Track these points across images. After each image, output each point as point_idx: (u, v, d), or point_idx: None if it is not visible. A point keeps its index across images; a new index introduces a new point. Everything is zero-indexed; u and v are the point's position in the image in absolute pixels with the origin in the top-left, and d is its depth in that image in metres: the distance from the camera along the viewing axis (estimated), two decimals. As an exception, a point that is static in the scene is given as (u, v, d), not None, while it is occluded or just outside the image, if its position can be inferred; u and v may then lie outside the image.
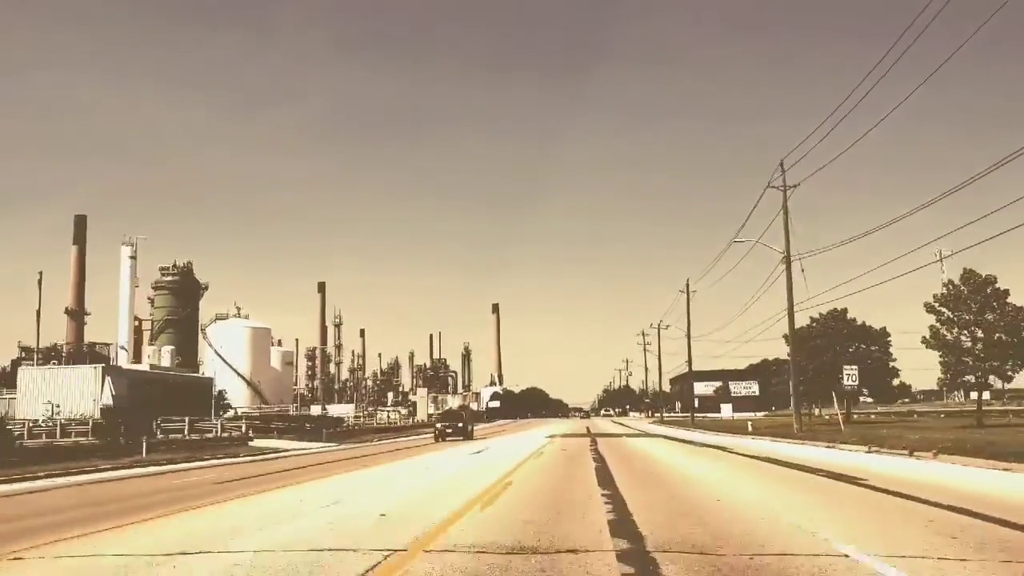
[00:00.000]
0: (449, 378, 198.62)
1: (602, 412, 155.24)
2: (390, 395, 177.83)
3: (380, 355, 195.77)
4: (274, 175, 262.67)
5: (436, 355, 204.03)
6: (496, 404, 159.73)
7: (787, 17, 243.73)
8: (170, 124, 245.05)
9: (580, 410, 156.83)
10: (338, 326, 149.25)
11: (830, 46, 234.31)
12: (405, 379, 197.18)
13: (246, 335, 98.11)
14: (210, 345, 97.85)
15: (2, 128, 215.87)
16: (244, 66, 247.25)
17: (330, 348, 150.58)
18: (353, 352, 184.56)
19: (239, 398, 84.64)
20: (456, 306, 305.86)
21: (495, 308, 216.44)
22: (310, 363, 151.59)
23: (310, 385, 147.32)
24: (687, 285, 63.07)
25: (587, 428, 60.21)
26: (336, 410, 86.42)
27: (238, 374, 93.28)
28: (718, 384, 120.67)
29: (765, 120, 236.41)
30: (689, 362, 68.44)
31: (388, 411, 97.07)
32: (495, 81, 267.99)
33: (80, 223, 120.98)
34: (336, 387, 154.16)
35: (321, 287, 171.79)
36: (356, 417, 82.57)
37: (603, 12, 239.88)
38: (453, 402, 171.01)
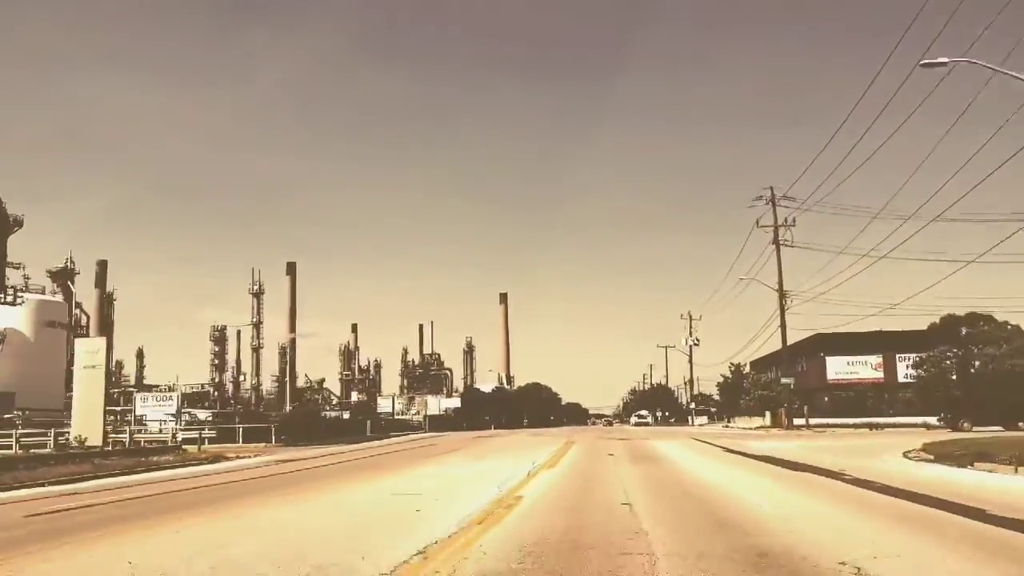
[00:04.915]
0: (443, 376, 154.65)
1: (633, 420, 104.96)
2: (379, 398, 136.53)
3: (359, 348, 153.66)
4: (293, 174, 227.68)
5: (429, 350, 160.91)
6: (455, 404, 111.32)
7: (823, 21, 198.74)
8: (174, 122, 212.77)
9: (603, 416, 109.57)
10: (257, 295, 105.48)
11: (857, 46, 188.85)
12: (396, 379, 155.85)
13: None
14: None
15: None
16: (261, 64, 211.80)
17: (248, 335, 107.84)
18: (340, 348, 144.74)
19: None
20: (468, 308, 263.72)
21: (503, 298, 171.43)
22: (216, 347, 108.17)
23: (217, 379, 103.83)
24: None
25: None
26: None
27: None
28: (876, 359, 67.88)
29: (798, 126, 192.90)
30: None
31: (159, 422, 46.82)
32: (522, 84, 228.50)
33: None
34: (276, 384, 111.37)
35: (291, 268, 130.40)
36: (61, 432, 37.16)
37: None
38: (442, 404, 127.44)
